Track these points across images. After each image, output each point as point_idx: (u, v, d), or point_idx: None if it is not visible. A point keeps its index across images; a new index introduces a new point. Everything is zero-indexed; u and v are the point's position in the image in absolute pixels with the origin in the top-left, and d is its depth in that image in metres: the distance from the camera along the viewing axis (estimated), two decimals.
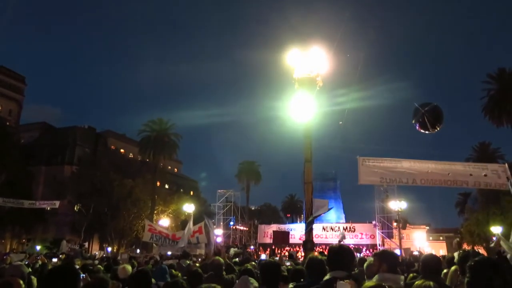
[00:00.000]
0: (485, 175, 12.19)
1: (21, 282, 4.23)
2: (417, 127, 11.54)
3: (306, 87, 12.25)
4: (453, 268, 4.50)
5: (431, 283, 3.44)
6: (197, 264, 9.86)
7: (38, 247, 43.54)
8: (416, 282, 3.49)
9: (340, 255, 3.96)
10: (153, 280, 5.91)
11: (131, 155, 65.19)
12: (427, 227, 56.27)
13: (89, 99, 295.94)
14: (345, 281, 2.77)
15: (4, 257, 13.26)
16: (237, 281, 5.21)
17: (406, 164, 12.28)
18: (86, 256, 22.07)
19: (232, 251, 20.80)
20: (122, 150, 67.40)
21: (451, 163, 12.59)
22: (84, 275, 8.86)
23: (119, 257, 16.21)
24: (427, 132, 11.46)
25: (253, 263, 8.72)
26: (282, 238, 19.53)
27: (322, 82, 12.52)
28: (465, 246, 42.14)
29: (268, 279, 4.44)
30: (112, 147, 66.27)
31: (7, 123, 57.50)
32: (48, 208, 38.74)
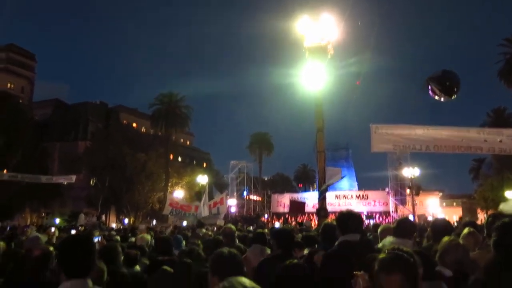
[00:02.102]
0: (500, 141, 11.99)
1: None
2: (432, 95, 11.32)
3: (317, 55, 12.07)
4: (465, 230, 4.51)
5: (459, 240, 3.47)
6: (210, 233, 10.04)
7: (57, 221, 44.76)
8: (444, 238, 3.48)
9: (350, 220, 4.05)
10: None
11: (143, 129, 65.61)
12: (441, 193, 56.19)
13: (99, 74, 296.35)
14: (358, 273, 2.78)
15: (25, 229, 13.67)
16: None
17: (420, 131, 12.13)
18: (104, 227, 22.64)
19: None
20: (134, 125, 67.80)
21: (465, 129, 12.39)
22: (99, 238, 9.10)
23: (137, 228, 16.63)
24: (442, 100, 11.25)
25: (266, 230, 8.84)
26: (298, 207, 19.72)
27: (333, 50, 12.32)
28: (479, 212, 42.14)
29: (283, 244, 4.51)
30: (124, 121, 66.66)
31: (20, 101, 58.02)
32: (65, 183, 39.44)
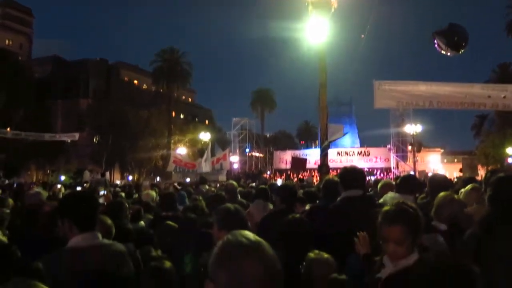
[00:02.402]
0: (504, 97, 11.91)
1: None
2: (438, 49, 11.10)
3: (320, 9, 11.74)
4: (469, 186, 4.55)
5: (454, 195, 3.52)
6: (213, 189, 10.19)
7: (63, 178, 45.44)
8: (440, 194, 3.53)
9: (353, 175, 4.03)
10: None
11: (144, 86, 65.14)
12: (442, 150, 56.38)
13: (98, 30, 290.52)
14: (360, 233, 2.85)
15: (31, 186, 13.91)
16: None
17: (423, 87, 12.02)
18: (108, 184, 22.99)
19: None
20: (135, 82, 67.27)
21: (469, 85, 12.28)
22: (105, 191, 9.29)
23: (141, 185, 16.90)
24: (449, 54, 11.04)
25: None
26: (300, 164, 19.84)
27: (337, 4, 11.97)
28: (480, 168, 42.45)
29: (286, 199, 4.59)
30: (125, 78, 66.07)
31: (19, 58, 57.34)
32: (69, 141, 39.78)
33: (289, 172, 34.51)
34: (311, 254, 2.93)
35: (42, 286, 1.51)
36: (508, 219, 2.54)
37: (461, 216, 3.29)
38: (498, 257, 2.43)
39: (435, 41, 10.77)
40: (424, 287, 1.78)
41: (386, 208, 2.41)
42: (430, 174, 24.67)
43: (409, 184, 4.55)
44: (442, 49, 10.81)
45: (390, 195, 4.63)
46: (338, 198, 4.04)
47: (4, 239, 2.94)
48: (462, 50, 10.76)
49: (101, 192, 8.23)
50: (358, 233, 2.86)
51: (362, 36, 15.94)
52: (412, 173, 29.35)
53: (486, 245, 2.53)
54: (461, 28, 10.92)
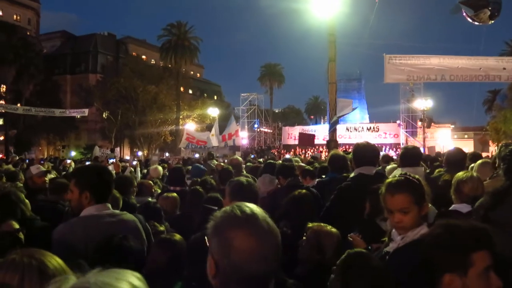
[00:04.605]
0: None
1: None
2: (468, 18, 10.77)
3: None
4: (479, 161, 4.48)
5: (474, 172, 3.45)
6: (222, 164, 10.23)
7: (73, 153, 45.93)
8: (458, 173, 3.47)
9: (367, 152, 3.89)
10: None
11: (153, 61, 64.84)
12: (452, 126, 55.75)
13: (105, 4, 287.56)
14: (352, 234, 2.84)
15: (41, 162, 14.05)
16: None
17: (435, 61, 11.78)
18: (119, 159, 23.17)
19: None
20: (143, 57, 66.95)
21: (483, 58, 12.01)
22: (114, 159, 9.42)
23: (150, 159, 17.00)
24: (481, 23, 10.72)
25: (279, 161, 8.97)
26: (307, 140, 19.69)
27: None
28: (491, 144, 41.97)
29: (287, 176, 4.63)
30: (134, 53, 65.77)
31: (28, 33, 57.14)
32: (78, 116, 39.97)
33: (297, 148, 34.51)
34: (310, 224, 2.95)
35: (49, 254, 1.52)
36: None
37: (482, 192, 3.22)
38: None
39: (463, 12, 10.45)
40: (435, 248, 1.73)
41: (388, 179, 2.40)
42: (438, 150, 24.50)
43: (412, 155, 4.39)
44: (470, 18, 10.49)
45: (399, 171, 4.56)
46: (351, 175, 3.97)
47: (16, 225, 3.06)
48: (494, 19, 10.46)
49: (110, 160, 8.33)
50: (348, 236, 2.83)
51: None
52: (422, 149, 29.13)
53: (495, 215, 2.46)
54: None
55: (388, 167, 4.68)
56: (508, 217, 2.11)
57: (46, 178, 5.63)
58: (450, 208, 3.25)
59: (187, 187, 5.73)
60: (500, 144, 5.88)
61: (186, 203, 4.58)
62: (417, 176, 2.39)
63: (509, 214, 2.27)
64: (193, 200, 4.38)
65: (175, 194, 4.69)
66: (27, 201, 3.64)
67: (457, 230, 1.71)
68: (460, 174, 3.43)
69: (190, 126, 38.40)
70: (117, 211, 2.84)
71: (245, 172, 6.94)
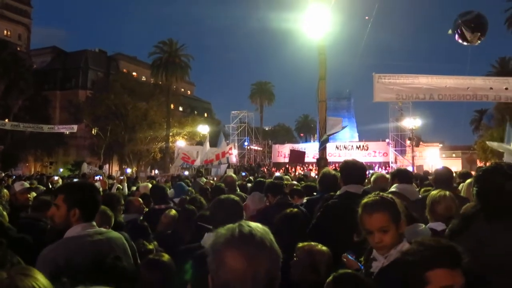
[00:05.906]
0: (506, 89, 11.84)
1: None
2: (456, 38, 11.00)
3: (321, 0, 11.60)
4: (468, 180, 4.51)
5: (447, 192, 3.44)
6: (212, 182, 10.15)
7: (61, 169, 45.36)
8: (432, 192, 3.49)
9: (354, 170, 3.90)
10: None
11: (143, 78, 64.84)
12: (441, 145, 56.26)
13: (96, 20, 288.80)
14: (345, 255, 2.80)
15: (24, 179, 13.87)
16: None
17: (424, 80, 11.93)
18: (106, 176, 22.91)
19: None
20: (134, 74, 66.96)
21: (470, 78, 12.21)
22: (101, 176, 9.27)
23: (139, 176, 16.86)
24: (466, 43, 10.96)
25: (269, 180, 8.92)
26: (298, 157, 19.73)
27: None
28: (478, 162, 42.40)
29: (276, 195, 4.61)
30: (124, 70, 65.80)
31: (18, 49, 56.99)
32: (67, 132, 39.66)
33: (287, 166, 34.51)
34: (301, 244, 2.90)
35: (38, 273, 1.47)
36: (497, 214, 2.28)
37: (456, 210, 3.21)
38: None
39: (459, 30, 10.68)
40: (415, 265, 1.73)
41: (364, 200, 2.39)
42: (426, 169, 24.69)
43: (407, 174, 4.69)
44: (463, 40, 10.74)
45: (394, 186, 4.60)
46: (338, 192, 3.96)
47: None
48: (480, 40, 10.73)
49: (97, 177, 8.23)
50: (342, 256, 2.80)
51: (367, 17, 15.72)
52: (410, 168, 29.32)
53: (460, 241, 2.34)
54: (485, 20, 10.88)
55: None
56: (470, 245, 2.00)
57: (29, 195, 5.53)
58: (426, 226, 3.20)
59: (172, 204, 5.68)
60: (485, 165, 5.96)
61: (175, 221, 4.53)
62: (390, 195, 2.41)
63: (471, 241, 2.18)
64: (186, 218, 4.32)
65: (174, 212, 4.65)
66: (5, 213, 3.57)
67: (420, 248, 1.72)
68: (434, 193, 3.43)
69: (180, 144, 38.25)
70: (104, 229, 2.77)
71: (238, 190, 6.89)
